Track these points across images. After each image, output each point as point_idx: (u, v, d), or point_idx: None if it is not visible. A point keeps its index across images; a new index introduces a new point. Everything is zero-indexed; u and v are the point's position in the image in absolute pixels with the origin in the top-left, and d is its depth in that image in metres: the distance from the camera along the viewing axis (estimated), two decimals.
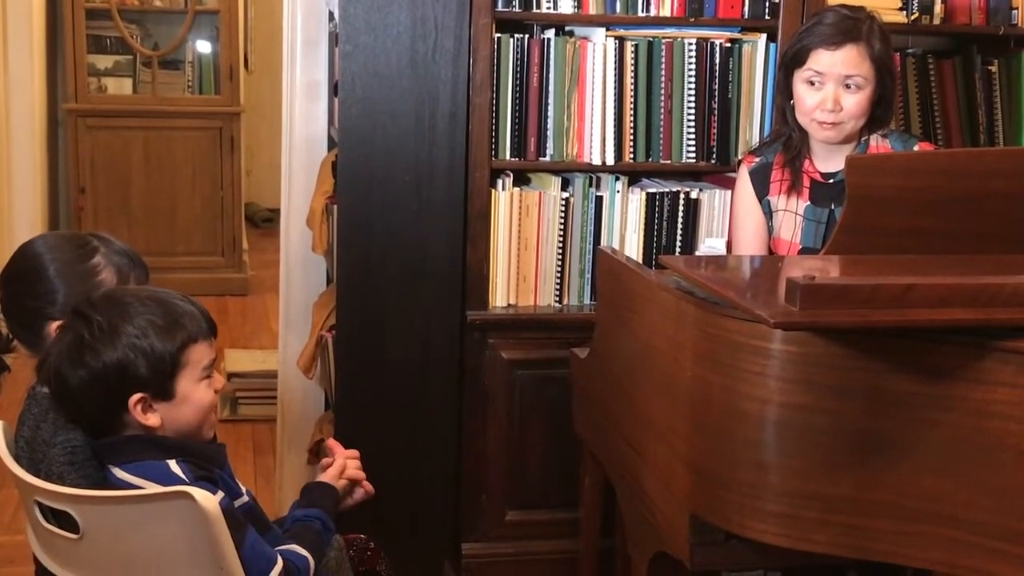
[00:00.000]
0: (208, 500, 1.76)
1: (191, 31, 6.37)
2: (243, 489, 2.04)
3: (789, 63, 2.85)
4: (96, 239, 2.20)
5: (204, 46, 6.46)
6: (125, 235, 6.09)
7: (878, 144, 2.84)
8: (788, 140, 2.91)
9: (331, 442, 2.28)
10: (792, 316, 1.74)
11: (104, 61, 6.34)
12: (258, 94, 6.96)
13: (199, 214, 6.37)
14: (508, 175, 3.19)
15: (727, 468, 2.02)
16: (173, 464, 1.91)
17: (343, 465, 2.20)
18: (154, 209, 6.30)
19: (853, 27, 2.76)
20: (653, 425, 2.22)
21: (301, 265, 3.71)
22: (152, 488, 1.84)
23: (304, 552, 1.97)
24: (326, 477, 2.17)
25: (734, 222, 3.06)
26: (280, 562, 1.91)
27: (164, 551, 1.82)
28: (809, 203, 2.88)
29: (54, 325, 2.06)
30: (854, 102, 2.76)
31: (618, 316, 2.45)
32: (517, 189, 3.18)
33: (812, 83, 2.78)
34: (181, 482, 1.86)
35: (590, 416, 2.68)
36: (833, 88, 2.75)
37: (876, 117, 2.82)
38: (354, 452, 2.25)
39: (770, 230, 2.95)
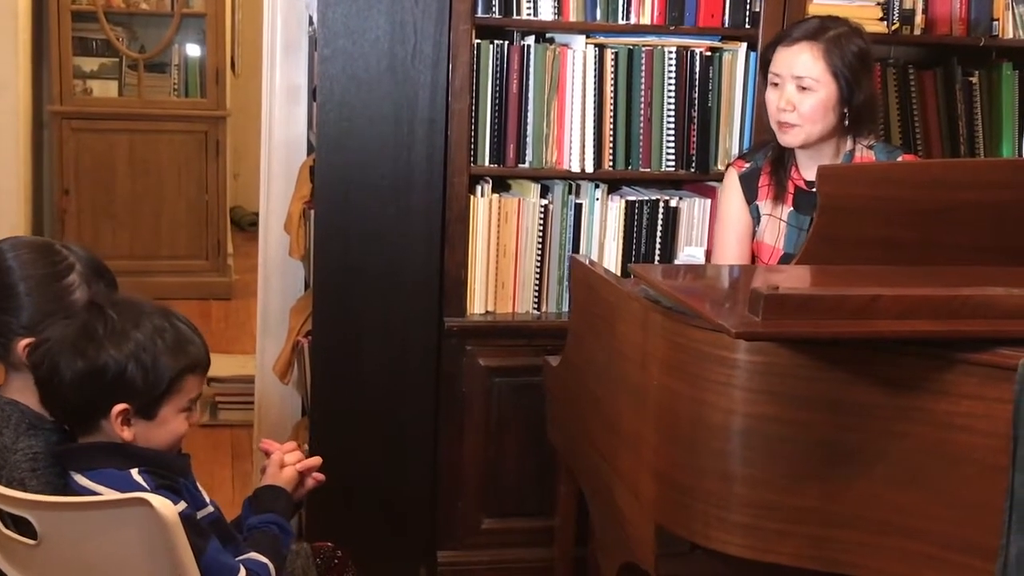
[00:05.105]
0: (166, 507, 1.74)
1: (177, 34, 6.35)
2: (208, 500, 2.03)
3: (761, 65, 2.89)
4: (69, 252, 2.09)
5: (190, 49, 6.44)
6: (109, 238, 6.15)
7: (863, 155, 2.84)
8: (773, 147, 2.91)
9: (265, 443, 2.24)
10: (755, 327, 1.73)
11: (90, 63, 6.31)
12: (245, 97, 6.92)
13: (184, 217, 6.35)
14: (487, 181, 3.18)
15: (692, 478, 2.01)
16: (135, 473, 1.90)
17: (280, 459, 2.17)
18: (139, 212, 6.28)
19: (817, 29, 2.77)
20: (622, 434, 2.21)
21: (279, 270, 3.69)
22: (111, 495, 1.83)
23: (263, 559, 1.96)
24: (268, 479, 2.14)
25: (718, 228, 3.05)
26: (242, 571, 1.90)
27: (122, 558, 1.81)
28: (792, 209, 2.88)
29: (22, 343, 2.00)
30: (807, 104, 2.75)
31: (590, 324, 2.44)
32: (496, 196, 3.17)
33: (775, 84, 2.79)
34: (142, 490, 1.84)
35: (562, 424, 2.67)
36: (788, 88, 2.76)
37: (851, 127, 2.81)
38: (291, 444, 2.21)
39: (755, 234, 2.95)
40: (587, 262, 2.54)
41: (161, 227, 6.33)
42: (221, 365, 4.69)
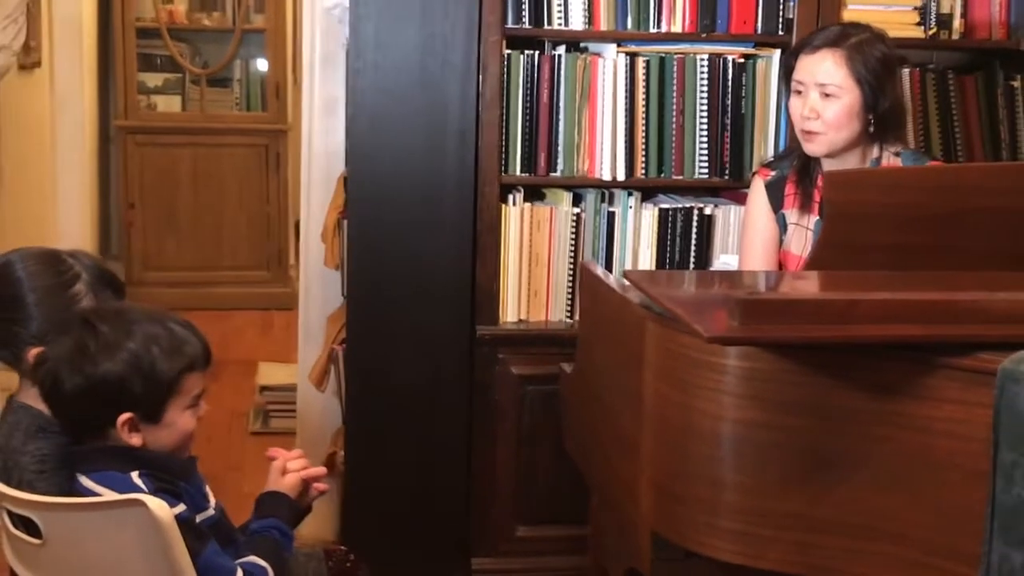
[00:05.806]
0: (161, 509, 1.79)
1: (239, 49, 6.47)
2: (211, 503, 2.06)
3: (785, 73, 2.86)
4: (75, 261, 2.14)
5: (252, 64, 6.56)
6: (173, 249, 6.28)
7: (890, 162, 2.80)
8: (799, 156, 2.90)
9: (272, 450, 2.26)
10: (730, 331, 1.73)
11: (154, 79, 6.45)
12: None
13: (246, 229, 6.46)
14: (519, 190, 3.20)
15: (684, 484, 2.01)
16: (135, 475, 1.93)
17: (282, 466, 2.18)
18: (201, 224, 6.40)
19: (839, 36, 2.74)
20: (624, 441, 2.21)
21: (320, 279, 3.74)
22: (111, 497, 1.88)
23: (262, 562, 1.98)
24: (270, 485, 2.17)
25: (744, 236, 3.03)
26: (239, 572, 1.94)
27: (121, 557, 1.85)
28: (819, 219, 2.85)
29: (33, 352, 2.04)
30: (831, 112, 2.72)
31: (597, 331, 2.45)
32: (528, 204, 3.19)
33: (799, 92, 2.77)
34: (141, 492, 1.88)
35: (576, 431, 2.68)
36: (812, 96, 2.74)
37: (878, 134, 2.78)
38: (297, 452, 2.23)
39: (782, 243, 2.93)
40: (595, 268, 2.54)
41: (223, 239, 6.45)
42: (273, 374, 4.78)
